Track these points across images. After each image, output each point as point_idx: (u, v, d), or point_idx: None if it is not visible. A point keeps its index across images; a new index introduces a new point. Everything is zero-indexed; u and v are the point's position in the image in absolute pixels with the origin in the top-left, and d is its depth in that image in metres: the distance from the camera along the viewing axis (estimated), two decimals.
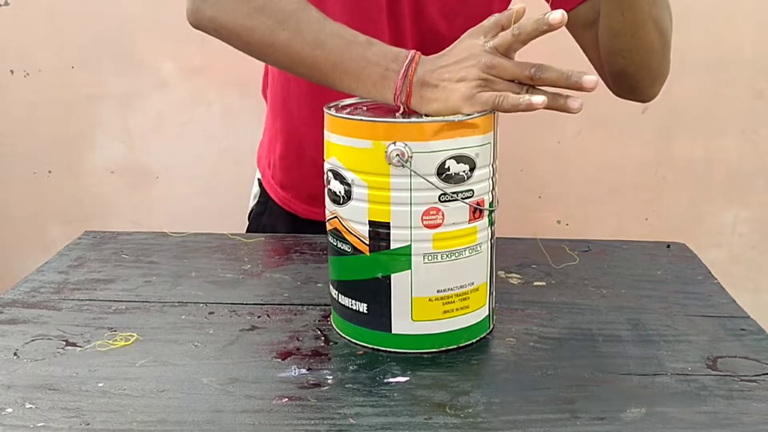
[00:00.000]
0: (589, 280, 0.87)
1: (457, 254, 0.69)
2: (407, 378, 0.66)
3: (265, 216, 1.12)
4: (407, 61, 0.71)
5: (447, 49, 0.73)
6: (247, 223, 1.16)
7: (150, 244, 0.99)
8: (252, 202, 1.15)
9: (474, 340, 0.72)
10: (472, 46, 0.71)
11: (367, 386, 0.65)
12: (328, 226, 0.73)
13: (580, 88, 0.68)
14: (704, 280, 0.88)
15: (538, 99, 0.67)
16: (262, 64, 1.13)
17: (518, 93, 0.69)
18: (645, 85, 0.93)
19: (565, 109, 0.69)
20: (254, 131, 1.61)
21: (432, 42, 0.97)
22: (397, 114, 0.72)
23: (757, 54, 1.51)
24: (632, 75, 0.91)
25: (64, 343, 0.73)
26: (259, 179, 1.14)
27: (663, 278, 0.88)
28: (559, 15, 0.67)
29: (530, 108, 0.68)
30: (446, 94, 0.70)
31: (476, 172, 0.67)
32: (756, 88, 1.53)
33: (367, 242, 0.69)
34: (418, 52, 0.73)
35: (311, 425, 0.59)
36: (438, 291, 0.69)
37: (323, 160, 0.73)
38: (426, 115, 0.70)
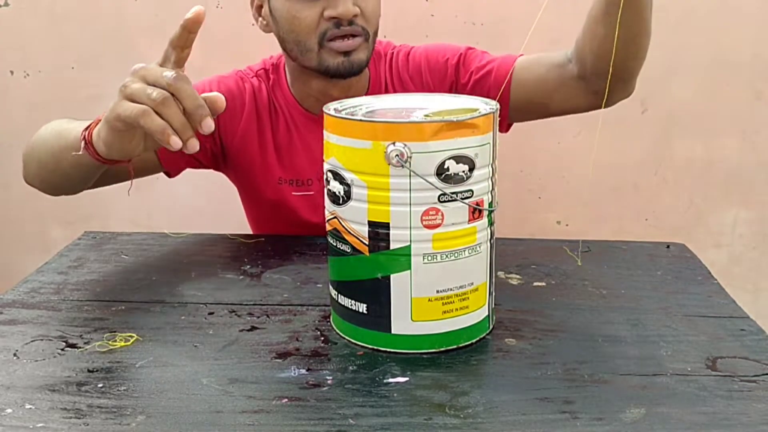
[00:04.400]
0: (589, 281, 0.87)
1: (456, 254, 0.69)
2: (407, 378, 0.66)
3: None
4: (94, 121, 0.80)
5: None
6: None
7: (150, 244, 0.99)
8: None
9: (473, 341, 0.72)
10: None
11: (367, 387, 0.65)
12: (328, 227, 0.73)
13: (198, 126, 0.69)
14: (704, 281, 0.88)
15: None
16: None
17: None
18: (628, 76, 0.95)
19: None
20: None
21: None
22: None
23: (757, 54, 1.51)
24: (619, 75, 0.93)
25: (64, 343, 0.73)
26: None
27: (663, 279, 0.88)
28: (192, 11, 0.69)
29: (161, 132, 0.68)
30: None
31: (475, 173, 0.67)
32: (756, 88, 1.53)
33: (367, 242, 0.69)
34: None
35: (311, 426, 0.59)
36: (437, 291, 0.69)
37: None
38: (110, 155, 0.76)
